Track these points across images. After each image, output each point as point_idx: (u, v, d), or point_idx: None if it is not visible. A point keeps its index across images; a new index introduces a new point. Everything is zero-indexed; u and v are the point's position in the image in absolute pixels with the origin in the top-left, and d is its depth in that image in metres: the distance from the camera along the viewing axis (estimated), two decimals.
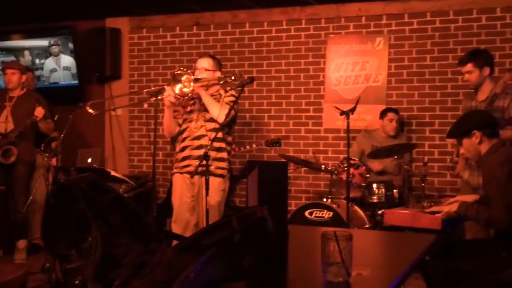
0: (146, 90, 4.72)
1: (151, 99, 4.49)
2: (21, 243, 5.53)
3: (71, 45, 7.06)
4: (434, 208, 3.65)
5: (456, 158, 4.62)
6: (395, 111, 5.72)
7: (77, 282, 1.48)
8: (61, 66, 7.18)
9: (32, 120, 5.42)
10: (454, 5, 5.85)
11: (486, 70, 4.44)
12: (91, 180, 1.70)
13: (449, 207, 3.53)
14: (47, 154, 5.36)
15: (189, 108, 4.57)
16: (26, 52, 7.30)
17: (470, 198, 3.52)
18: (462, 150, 3.51)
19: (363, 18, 6.18)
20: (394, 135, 5.72)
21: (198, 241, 1.75)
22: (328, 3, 6.20)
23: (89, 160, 6.31)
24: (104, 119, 7.12)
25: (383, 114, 5.74)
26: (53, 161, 5.23)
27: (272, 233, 1.72)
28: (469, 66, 4.47)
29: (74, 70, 7.10)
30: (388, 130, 5.70)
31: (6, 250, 5.61)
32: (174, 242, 2.04)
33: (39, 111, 5.40)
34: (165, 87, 4.49)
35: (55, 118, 5.73)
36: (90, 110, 4.63)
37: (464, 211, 3.38)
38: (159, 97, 4.47)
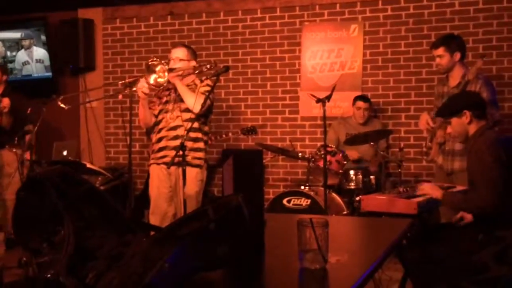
0: (121, 82, 4.66)
1: (126, 90, 4.44)
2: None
3: (43, 37, 6.96)
4: (421, 191, 3.67)
5: (430, 144, 4.67)
6: (363, 99, 5.74)
7: (49, 276, 1.46)
8: (33, 59, 7.08)
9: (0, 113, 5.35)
10: None
11: (457, 55, 4.51)
12: (62, 172, 1.67)
13: (432, 191, 3.54)
14: (14, 150, 5.28)
15: (164, 99, 4.53)
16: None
17: (436, 189, 3.55)
18: (449, 129, 3.54)
19: (338, 5, 6.18)
20: (363, 122, 5.75)
21: (174, 232, 1.74)
22: None
23: (65, 153, 6.24)
24: (79, 111, 7.04)
25: (353, 101, 5.78)
26: (27, 154, 5.16)
27: (248, 222, 1.71)
28: (440, 50, 4.54)
29: (47, 63, 7.00)
30: (357, 118, 5.75)
31: None
32: (152, 234, 2.03)
33: (6, 102, 5.32)
34: (139, 78, 4.45)
35: (28, 111, 5.64)
36: (62, 105, 4.57)
37: (450, 202, 3.42)
38: (134, 88, 4.43)
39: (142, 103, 4.48)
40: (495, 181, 3.17)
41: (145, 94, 4.39)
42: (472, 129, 3.41)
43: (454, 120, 3.47)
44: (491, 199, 3.17)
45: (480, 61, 4.38)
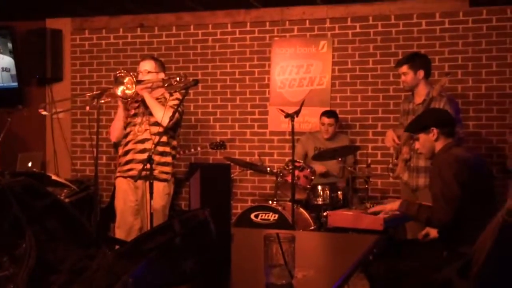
0: (88, 93, 4.61)
1: (94, 101, 4.39)
2: None
3: (10, 45, 6.85)
4: (376, 208, 3.72)
5: (395, 161, 4.73)
6: (328, 115, 5.77)
7: None
8: None
9: None
10: (395, 9, 5.98)
11: (421, 73, 4.60)
12: (25, 183, 1.64)
13: (391, 205, 3.60)
14: None
15: (133, 111, 4.50)
16: None
17: (397, 204, 3.58)
18: (417, 145, 3.59)
19: (307, 22, 6.24)
20: (328, 138, 5.77)
21: (139, 246, 1.71)
22: (272, 6, 6.24)
23: (30, 164, 6.15)
24: (45, 122, 6.93)
25: (320, 117, 5.81)
26: None
27: (215, 236, 1.70)
28: (404, 68, 4.65)
29: (13, 71, 6.88)
30: (322, 133, 5.78)
31: None
32: (117, 247, 2.00)
33: None
34: (111, 90, 4.41)
35: None
36: (44, 112, 4.50)
37: (405, 209, 3.45)
38: (102, 100, 4.38)
39: (120, 114, 4.44)
40: (449, 198, 3.22)
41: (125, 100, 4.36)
42: (439, 146, 3.47)
43: (422, 136, 3.52)
44: (443, 213, 3.23)
45: (444, 78, 4.48)
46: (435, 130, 3.46)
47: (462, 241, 3.08)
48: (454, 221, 3.22)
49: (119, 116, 4.47)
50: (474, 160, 3.45)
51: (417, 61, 4.65)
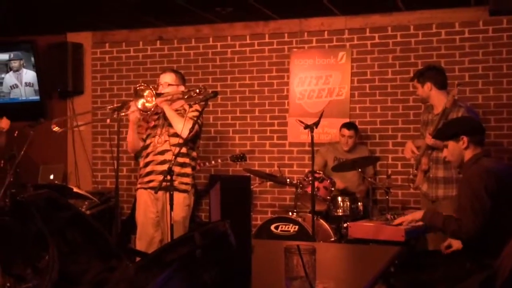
0: (109, 106, 4.65)
1: (114, 114, 4.43)
2: None
3: (33, 59, 6.93)
4: (399, 220, 3.68)
5: (416, 171, 4.69)
6: (348, 126, 5.76)
7: None
8: (22, 82, 7.03)
9: None
10: (414, 20, 5.95)
11: (428, 85, 4.62)
12: (48, 196, 1.65)
13: (412, 216, 3.55)
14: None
15: (153, 123, 4.53)
16: None
17: (420, 214, 3.53)
18: (445, 153, 3.53)
19: (326, 33, 6.24)
20: (348, 150, 5.76)
21: (160, 258, 1.72)
22: (291, 17, 6.25)
23: (51, 177, 6.21)
24: (67, 135, 7.00)
25: (340, 129, 5.81)
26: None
27: (235, 248, 1.70)
28: (415, 82, 4.75)
29: (36, 86, 6.95)
30: (342, 145, 5.77)
31: None
32: (138, 259, 2.01)
33: (5, 123, 5.28)
34: (130, 102, 4.45)
35: (15, 134, 5.60)
36: (56, 128, 4.55)
37: (429, 220, 3.39)
38: (123, 113, 4.42)
39: (132, 127, 4.48)
40: (479, 210, 3.16)
41: (138, 118, 4.40)
42: (468, 155, 3.41)
43: (451, 144, 3.47)
44: (471, 226, 3.17)
45: (455, 89, 4.49)
46: (465, 138, 3.40)
47: (487, 252, 3.04)
48: (480, 233, 3.17)
49: (131, 129, 4.50)
50: (505, 171, 3.38)
51: (424, 74, 4.70)
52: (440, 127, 3.89)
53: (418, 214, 3.49)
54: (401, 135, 6.00)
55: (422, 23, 5.93)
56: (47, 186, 5.12)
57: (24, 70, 7.01)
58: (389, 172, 5.17)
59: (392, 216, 3.90)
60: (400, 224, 3.63)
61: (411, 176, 4.80)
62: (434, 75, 4.68)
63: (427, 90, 4.63)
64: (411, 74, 5.80)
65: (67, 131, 6.76)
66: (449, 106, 4.40)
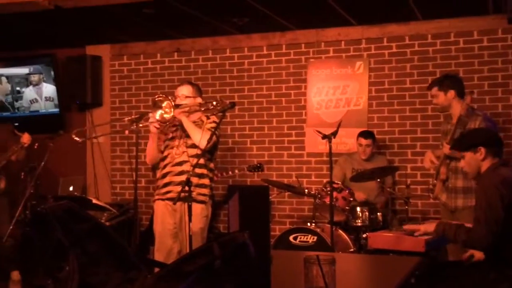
0: (127, 118, 4.68)
1: (133, 125, 4.46)
2: (15, 274, 5.37)
3: (53, 73, 7.01)
4: (411, 227, 3.65)
5: (435, 181, 4.65)
6: (365, 135, 5.73)
7: None
8: (42, 96, 7.10)
9: (21, 147, 5.37)
10: (431, 29, 5.93)
11: (452, 93, 4.55)
12: (68, 208, 1.67)
13: (425, 227, 3.52)
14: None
15: (170, 135, 4.55)
16: (4, 79, 7.21)
17: (433, 226, 3.49)
18: (462, 164, 3.51)
19: (343, 43, 6.24)
20: (366, 159, 5.73)
21: (179, 268, 1.72)
22: (307, 28, 6.26)
23: (71, 188, 6.26)
24: (86, 147, 7.06)
25: (356, 138, 5.78)
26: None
27: (254, 259, 1.69)
28: (434, 90, 4.67)
29: (56, 101, 7.01)
30: (359, 154, 5.74)
31: None
32: (156, 270, 2.01)
33: (27, 138, 5.35)
34: (149, 114, 4.48)
35: (36, 146, 5.67)
36: (77, 138, 4.59)
37: (442, 231, 3.37)
38: (141, 124, 4.45)
39: (153, 138, 4.50)
40: (492, 220, 3.13)
41: (157, 128, 4.42)
42: (485, 165, 3.38)
43: (468, 155, 3.44)
44: (482, 236, 3.14)
45: (469, 97, 4.45)
46: (482, 149, 3.37)
47: (510, 263, 3.00)
48: (502, 243, 3.13)
49: (152, 140, 4.53)
50: None
51: (446, 81, 4.64)
52: (458, 137, 3.86)
53: (430, 227, 3.45)
54: (420, 144, 5.95)
55: (440, 32, 5.90)
56: (67, 197, 5.15)
57: (44, 84, 7.08)
58: (408, 182, 5.14)
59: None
60: (413, 232, 3.59)
61: (431, 186, 4.76)
62: (457, 83, 4.64)
63: (450, 97, 4.56)
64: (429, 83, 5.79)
65: (85, 141, 6.80)
66: (463, 113, 4.37)
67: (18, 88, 7.19)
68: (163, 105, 4.35)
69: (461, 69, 5.74)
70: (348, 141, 6.13)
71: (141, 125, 4.45)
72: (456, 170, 4.48)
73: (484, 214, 3.17)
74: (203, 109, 4.52)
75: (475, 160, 3.41)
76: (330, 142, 4.89)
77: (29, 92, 7.15)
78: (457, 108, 4.54)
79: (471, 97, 4.52)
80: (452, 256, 4.44)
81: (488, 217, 3.14)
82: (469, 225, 3.70)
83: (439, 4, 5.38)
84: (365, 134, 5.75)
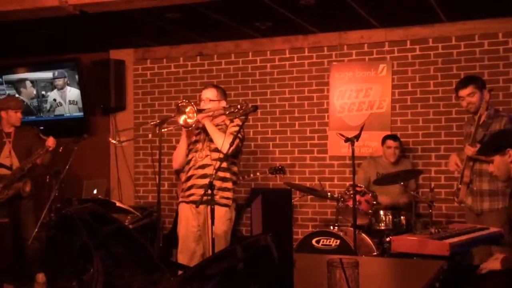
0: (151, 122, 4.71)
1: (156, 129, 4.49)
2: (41, 277, 5.43)
3: (77, 77, 7.09)
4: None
5: (460, 186, 4.59)
6: (394, 138, 5.71)
7: None
8: (66, 100, 7.19)
9: (46, 150, 5.44)
10: (455, 31, 5.87)
11: (486, 93, 4.45)
12: (92, 210, 1.68)
13: (493, 264, 3.39)
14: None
15: (194, 138, 4.57)
16: (28, 84, 7.32)
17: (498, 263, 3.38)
18: (491, 168, 3.45)
19: (366, 45, 6.21)
20: (395, 161, 5.70)
21: (202, 271, 1.72)
22: (330, 31, 6.24)
23: (95, 191, 6.32)
24: (109, 150, 7.12)
25: (383, 141, 5.75)
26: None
27: (277, 261, 1.69)
28: (470, 88, 4.49)
29: (80, 104, 7.10)
30: (388, 157, 5.70)
31: (20, 283, 5.49)
32: (180, 273, 2.01)
33: (52, 141, 5.42)
34: (170, 118, 4.51)
35: (60, 150, 5.73)
36: (113, 141, 4.63)
37: (508, 263, 3.26)
38: (164, 128, 4.47)
39: (184, 140, 4.51)
40: None
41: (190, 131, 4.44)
42: None
43: (497, 158, 3.37)
44: None
45: (487, 95, 4.37)
46: (511, 152, 3.33)
47: None
48: None
49: (182, 144, 4.55)
50: None
51: (479, 81, 4.55)
52: (484, 142, 3.79)
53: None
54: (444, 147, 5.90)
55: (464, 34, 5.85)
56: (91, 200, 5.20)
57: (68, 88, 7.17)
58: (432, 185, 5.08)
59: (436, 230, 3.82)
60: (445, 237, 3.54)
61: (456, 190, 4.70)
62: (485, 84, 4.58)
63: (486, 98, 4.45)
64: (454, 86, 5.72)
65: (108, 145, 6.86)
66: (482, 112, 4.31)
67: (43, 92, 7.29)
68: (187, 110, 4.36)
69: (486, 71, 5.68)
70: (371, 144, 6.10)
71: (164, 129, 4.47)
72: (480, 173, 4.43)
73: None
74: (227, 112, 4.52)
75: (504, 163, 3.34)
76: (353, 145, 4.87)
77: (53, 96, 7.24)
78: (483, 109, 4.48)
79: (490, 94, 4.42)
80: (477, 260, 4.38)
81: None
82: (494, 229, 3.66)
83: (463, 6, 5.33)
84: (392, 137, 5.73)
